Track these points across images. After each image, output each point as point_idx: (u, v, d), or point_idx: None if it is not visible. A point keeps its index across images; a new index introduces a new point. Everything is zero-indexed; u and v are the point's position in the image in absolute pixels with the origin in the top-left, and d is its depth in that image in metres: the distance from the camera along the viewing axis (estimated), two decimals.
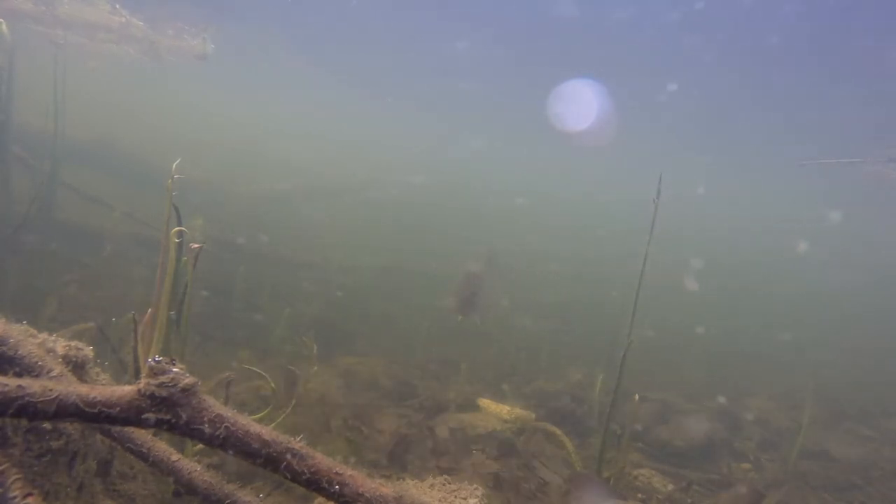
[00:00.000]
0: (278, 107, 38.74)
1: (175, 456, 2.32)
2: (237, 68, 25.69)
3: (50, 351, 2.43)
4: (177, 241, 3.27)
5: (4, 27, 7.01)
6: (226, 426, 1.89)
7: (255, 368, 4.30)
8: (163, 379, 1.87)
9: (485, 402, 5.94)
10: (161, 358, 1.93)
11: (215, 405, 1.95)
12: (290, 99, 34.66)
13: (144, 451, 2.30)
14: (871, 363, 12.15)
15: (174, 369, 1.91)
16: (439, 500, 2.94)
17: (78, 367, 2.55)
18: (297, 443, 1.98)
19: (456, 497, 2.99)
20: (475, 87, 23.15)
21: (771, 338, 12.93)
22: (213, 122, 39.65)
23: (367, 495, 1.93)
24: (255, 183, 16.33)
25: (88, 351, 2.64)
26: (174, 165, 3.28)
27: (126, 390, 1.88)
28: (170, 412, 1.86)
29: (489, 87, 22.86)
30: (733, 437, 6.76)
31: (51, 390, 1.77)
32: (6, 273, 5.97)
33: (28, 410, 1.74)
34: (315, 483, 1.92)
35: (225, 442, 1.90)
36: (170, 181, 3.29)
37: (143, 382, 1.88)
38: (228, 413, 1.94)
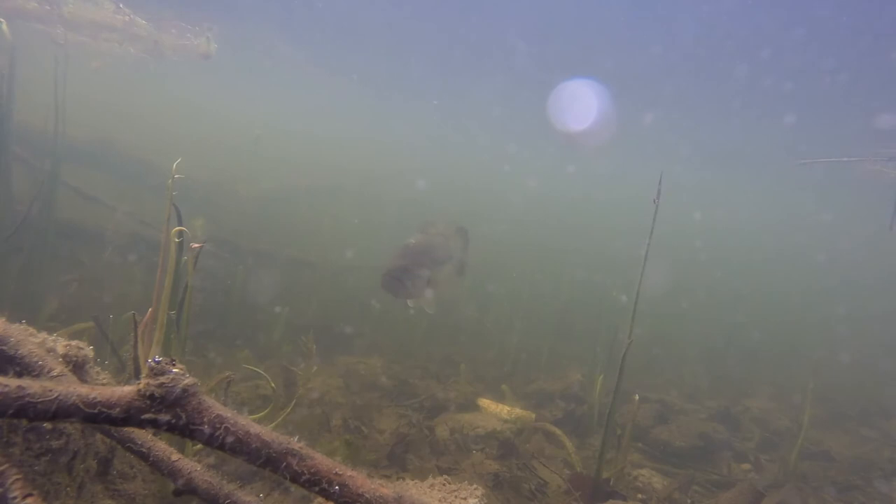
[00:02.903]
0: (279, 106, 38.73)
1: (175, 456, 2.31)
2: (238, 68, 25.68)
3: (50, 350, 2.43)
4: (177, 240, 3.27)
5: (5, 26, 7.00)
6: (226, 427, 1.89)
7: (254, 368, 4.30)
8: (163, 379, 1.87)
9: (485, 402, 5.94)
10: (161, 358, 1.93)
11: (215, 405, 1.95)
12: (290, 98, 34.64)
13: (144, 450, 2.30)
14: (871, 363, 12.14)
15: (174, 370, 1.91)
16: (439, 500, 2.94)
17: (78, 367, 2.55)
18: (297, 443, 1.98)
19: (456, 497, 2.98)
20: (478, 88, 23.13)
21: (770, 338, 12.93)
22: (214, 121, 39.65)
23: (367, 495, 1.93)
24: (256, 183, 16.34)
25: (88, 350, 2.64)
26: (175, 165, 3.28)
27: (126, 391, 1.88)
28: (170, 413, 1.86)
29: (492, 88, 22.83)
30: (733, 437, 6.76)
31: (51, 391, 1.77)
32: (6, 273, 5.97)
33: (28, 411, 1.74)
34: (315, 483, 1.92)
35: (225, 442, 1.90)
36: (170, 181, 3.30)
37: (143, 383, 1.88)
38: (228, 413, 1.94)
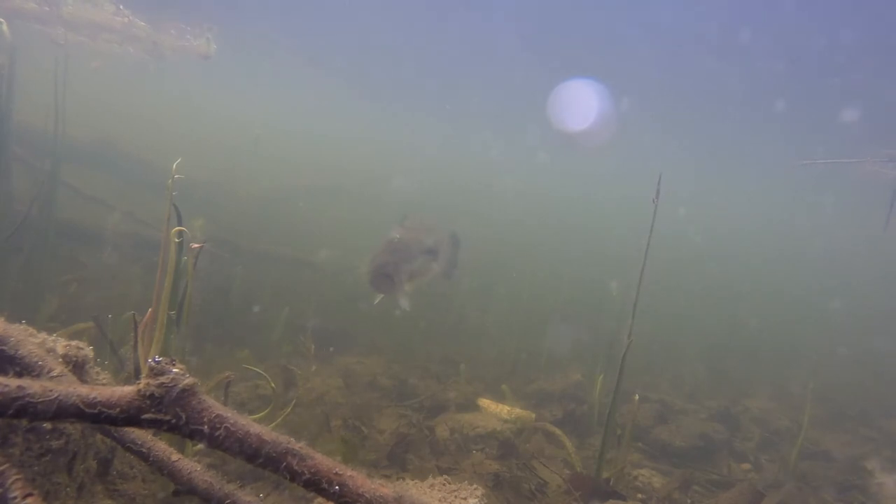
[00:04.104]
0: (279, 106, 38.75)
1: (175, 456, 2.32)
2: (239, 68, 25.70)
3: (50, 350, 2.43)
4: (177, 240, 3.27)
5: (5, 26, 7.00)
6: (226, 427, 1.90)
7: (254, 368, 4.30)
8: (163, 379, 1.87)
9: (485, 402, 5.94)
10: (161, 358, 1.93)
11: (215, 405, 1.95)
12: (290, 98, 34.66)
13: (144, 450, 2.30)
14: (871, 362, 12.14)
15: (174, 370, 1.91)
16: (439, 500, 2.94)
17: (78, 367, 2.55)
18: (297, 443, 1.98)
19: (456, 497, 2.99)
20: (477, 89, 23.17)
21: (771, 337, 12.93)
22: (214, 121, 39.64)
23: (367, 495, 1.93)
24: (256, 183, 16.34)
25: (88, 350, 2.64)
26: (174, 165, 3.28)
27: (126, 391, 1.88)
28: (170, 413, 1.86)
29: (490, 87, 22.86)
30: (733, 437, 6.76)
31: (51, 391, 1.77)
32: (6, 273, 5.97)
33: (28, 411, 1.74)
34: (315, 483, 1.92)
35: (225, 442, 1.90)
36: (170, 181, 3.30)
37: (143, 383, 1.88)
38: (228, 413, 1.94)
